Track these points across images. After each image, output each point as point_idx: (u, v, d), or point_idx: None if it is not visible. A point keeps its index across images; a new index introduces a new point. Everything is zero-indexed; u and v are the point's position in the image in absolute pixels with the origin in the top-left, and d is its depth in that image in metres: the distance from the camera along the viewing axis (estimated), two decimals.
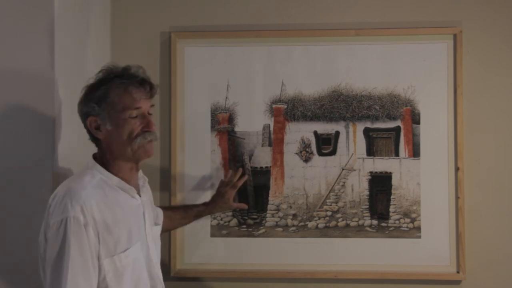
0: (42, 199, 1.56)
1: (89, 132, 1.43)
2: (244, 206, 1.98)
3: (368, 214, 2.04)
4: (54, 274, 1.25)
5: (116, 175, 1.42)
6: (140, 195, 1.48)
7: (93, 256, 1.30)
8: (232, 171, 2.00)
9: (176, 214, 1.85)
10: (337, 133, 2.05)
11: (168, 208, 1.87)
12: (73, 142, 1.72)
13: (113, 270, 1.33)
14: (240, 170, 1.99)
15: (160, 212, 1.75)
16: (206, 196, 2.03)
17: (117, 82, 1.40)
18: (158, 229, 1.62)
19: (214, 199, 1.93)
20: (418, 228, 2.02)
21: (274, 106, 2.06)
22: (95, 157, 1.45)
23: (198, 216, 1.89)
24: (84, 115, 1.41)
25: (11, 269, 1.57)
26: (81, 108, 1.42)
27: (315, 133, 2.05)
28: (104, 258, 1.32)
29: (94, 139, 1.45)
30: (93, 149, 1.90)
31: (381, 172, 2.04)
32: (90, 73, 1.88)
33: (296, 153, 2.05)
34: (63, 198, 1.29)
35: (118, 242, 1.35)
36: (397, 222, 2.03)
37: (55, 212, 1.28)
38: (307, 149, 2.05)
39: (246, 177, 2.00)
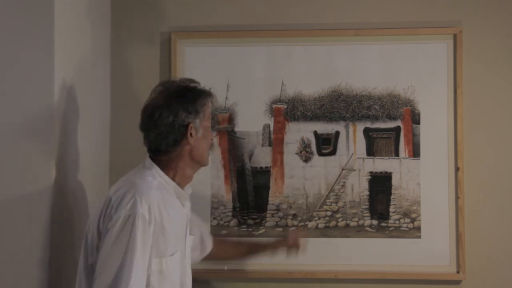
0: (41, 199, 1.56)
1: (172, 138, 1.46)
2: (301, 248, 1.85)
3: (368, 214, 2.04)
4: (120, 267, 1.30)
5: (172, 179, 1.48)
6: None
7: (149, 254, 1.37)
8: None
9: (240, 248, 1.91)
10: (337, 133, 2.05)
11: (233, 241, 1.96)
12: (73, 142, 1.73)
13: (158, 271, 1.39)
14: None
15: (209, 241, 1.79)
16: (206, 198, 2.04)
17: (204, 95, 1.51)
18: (192, 239, 1.65)
19: (275, 243, 1.90)
20: (418, 228, 2.02)
21: (274, 106, 2.06)
22: (153, 159, 1.50)
23: (260, 252, 1.89)
24: (183, 122, 1.46)
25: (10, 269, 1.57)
26: (178, 115, 1.45)
27: (315, 133, 2.05)
28: (154, 258, 1.37)
29: (164, 145, 1.47)
30: (92, 148, 1.90)
31: (381, 172, 2.04)
32: (90, 73, 1.90)
33: (296, 153, 2.05)
34: (132, 194, 1.35)
35: (167, 246, 1.41)
36: (397, 222, 2.03)
37: (120, 207, 1.33)
38: (307, 149, 2.05)
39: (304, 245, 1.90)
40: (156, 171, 1.47)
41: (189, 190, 1.59)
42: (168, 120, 1.44)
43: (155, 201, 1.38)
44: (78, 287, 1.43)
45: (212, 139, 1.59)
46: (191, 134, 1.46)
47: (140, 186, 1.38)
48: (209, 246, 1.79)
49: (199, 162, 1.52)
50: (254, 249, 1.90)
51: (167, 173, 1.48)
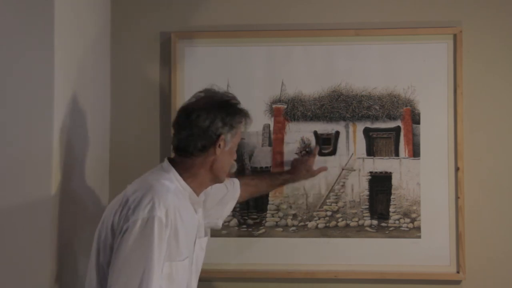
0: (42, 199, 1.56)
1: (201, 143, 1.46)
2: (324, 168, 2.01)
3: (368, 214, 2.04)
4: (139, 274, 1.30)
5: (189, 185, 1.49)
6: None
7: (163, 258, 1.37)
8: (307, 144, 2.05)
9: (263, 182, 1.96)
10: (337, 133, 2.05)
11: (254, 178, 1.97)
12: (73, 142, 1.73)
13: (168, 274, 1.39)
14: (317, 148, 2.03)
15: (237, 183, 1.84)
16: None
17: (242, 114, 1.53)
18: (206, 240, 1.66)
19: (296, 167, 1.99)
20: (418, 228, 2.02)
21: (274, 106, 2.06)
22: (172, 161, 1.50)
23: (283, 184, 2.01)
24: (216, 131, 1.47)
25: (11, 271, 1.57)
26: (214, 123, 1.47)
27: (315, 133, 2.05)
28: (165, 262, 1.37)
29: (191, 148, 1.47)
30: (91, 148, 1.91)
31: (381, 172, 2.04)
32: (90, 73, 1.90)
33: (296, 153, 2.05)
34: (150, 197, 1.36)
35: (179, 250, 1.42)
36: (397, 222, 2.03)
37: (138, 209, 1.34)
38: (307, 149, 2.05)
39: (318, 148, 2.03)
40: (174, 175, 1.47)
41: (202, 197, 1.60)
42: (204, 124, 1.46)
43: (172, 205, 1.38)
44: (88, 285, 1.42)
45: (235, 158, 1.60)
46: (219, 145, 1.47)
47: (158, 189, 1.38)
48: (238, 192, 1.84)
49: (217, 176, 1.53)
50: (275, 182, 1.98)
51: (185, 178, 1.49)
